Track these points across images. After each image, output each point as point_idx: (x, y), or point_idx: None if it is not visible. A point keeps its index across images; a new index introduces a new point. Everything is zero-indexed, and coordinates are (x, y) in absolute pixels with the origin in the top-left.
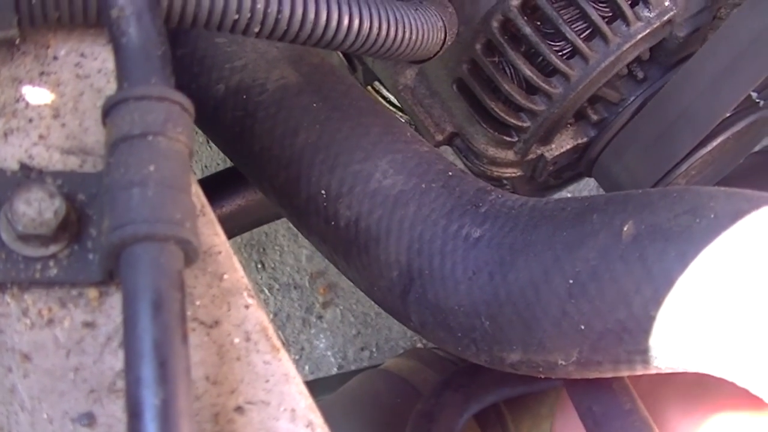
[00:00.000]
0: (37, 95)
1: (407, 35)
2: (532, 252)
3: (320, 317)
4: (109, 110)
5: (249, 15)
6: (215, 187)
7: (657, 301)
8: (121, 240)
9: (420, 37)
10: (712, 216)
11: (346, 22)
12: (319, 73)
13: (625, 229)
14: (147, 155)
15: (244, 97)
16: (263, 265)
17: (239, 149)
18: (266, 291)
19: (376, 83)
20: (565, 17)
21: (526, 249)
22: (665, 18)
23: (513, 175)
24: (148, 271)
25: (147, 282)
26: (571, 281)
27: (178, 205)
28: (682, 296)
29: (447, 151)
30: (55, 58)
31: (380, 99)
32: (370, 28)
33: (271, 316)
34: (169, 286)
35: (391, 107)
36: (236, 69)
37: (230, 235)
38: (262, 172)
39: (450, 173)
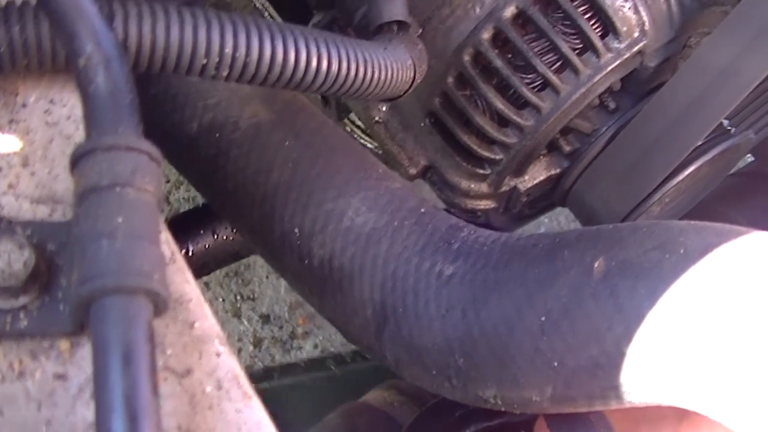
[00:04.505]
0: (7, 143)
1: (376, 75)
2: (504, 289)
3: (300, 348)
4: (77, 161)
5: (217, 59)
6: (192, 222)
7: (629, 337)
8: (89, 293)
9: (389, 76)
10: (682, 251)
11: (314, 64)
12: (292, 111)
13: (596, 265)
14: (115, 207)
15: (217, 135)
16: (242, 296)
17: (213, 187)
18: (245, 322)
19: (352, 114)
20: (536, 50)
21: (498, 286)
22: (635, 48)
23: (487, 207)
24: (117, 324)
25: (116, 335)
26: (543, 318)
27: (147, 257)
28: (653, 332)
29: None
30: (24, 105)
31: (356, 130)
32: (339, 69)
33: (251, 348)
34: (139, 339)
35: (366, 137)
36: (209, 107)
37: (208, 270)
38: (235, 210)
39: (422, 210)
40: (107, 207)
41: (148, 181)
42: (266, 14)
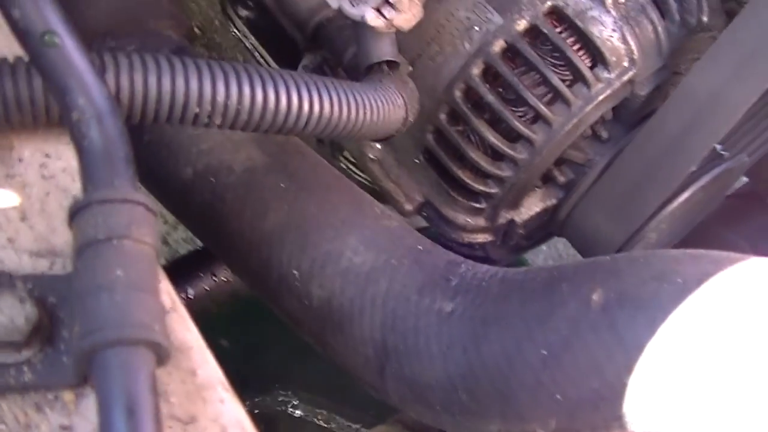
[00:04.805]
0: (4, 198)
1: (368, 117)
2: (504, 324)
3: None
4: (74, 215)
5: (210, 108)
6: (190, 265)
7: (629, 368)
8: (91, 346)
9: (381, 117)
10: (680, 280)
11: (306, 109)
12: (285, 152)
13: (594, 297)
14: (113, 259)
15: (212, 180)
16: None
17: (210, 232)
18: None
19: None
20: (526, 83)
21: (498, 321)
22: (625, 78)
23: (484, 240)
24: (119, 376)
25: (119, 387)
26: (544, 352)
27: (147, 308)
28: (654, 362)
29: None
30: (20, 159)
31: (351, 166)
32: (331, 113)
33: None
34: (142, 390)
35: (362, 173)
36: (203, 152)
37: (209, 313)
38: (233, 254)
39: (420, 247)
40: (105, 260)
41: (145, 233)
42: (256, 54)
